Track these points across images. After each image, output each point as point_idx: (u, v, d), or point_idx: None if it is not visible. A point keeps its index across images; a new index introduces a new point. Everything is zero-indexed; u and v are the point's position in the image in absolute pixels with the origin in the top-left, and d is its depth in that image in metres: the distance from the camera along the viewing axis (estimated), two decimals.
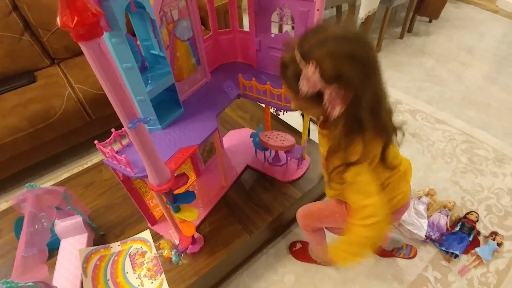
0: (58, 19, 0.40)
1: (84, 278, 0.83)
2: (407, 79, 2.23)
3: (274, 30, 0.92)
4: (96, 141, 0.72)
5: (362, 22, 2.20)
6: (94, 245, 0.93)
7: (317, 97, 0.52)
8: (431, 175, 1.53)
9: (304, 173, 1.15)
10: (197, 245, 0.94)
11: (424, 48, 2.56)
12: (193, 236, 0.92)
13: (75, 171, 1.62)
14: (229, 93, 0.94)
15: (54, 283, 0.82)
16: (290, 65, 0.53)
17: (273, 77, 0.99)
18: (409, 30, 2.79)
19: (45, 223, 0.77)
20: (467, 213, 1.33)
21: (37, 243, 0.67)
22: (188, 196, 0.78)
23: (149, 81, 0.77)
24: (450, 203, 1.36)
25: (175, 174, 0.73)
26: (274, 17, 0.89)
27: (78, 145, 1.63)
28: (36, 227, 0.74)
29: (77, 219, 0.90)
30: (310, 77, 0.49)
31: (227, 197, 1.08)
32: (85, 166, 1.63)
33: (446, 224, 1.29)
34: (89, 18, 0.40)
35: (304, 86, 0.51)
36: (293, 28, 0.88)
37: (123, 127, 0.74)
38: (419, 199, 1.38)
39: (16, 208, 0.75)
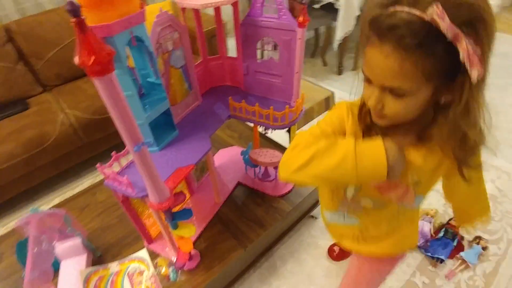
0: (76, 58, 0.46)
1: None
2: None
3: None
4: (98, 164, 0.77)
5: (339, 43, 2.35)
6: (92, 265, 0.95)
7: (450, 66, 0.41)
8: (433, 195, 1.62)
9: (293, 187, 1.21)
10: (193, 261, 0.97)
11: None
12: (189, 253, 0.96)
13: (66, 195, 1.64)
14: (220, 115, 1.01)
15: None
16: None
17: (261, 98, 1.06)
18: None
19: (44, 244, 0.80)
20: (450, 220, 1.41)
21: (42, 263, 0.70)
22: (186, 213, 0.83)
23: (147, 106, 0.83)
24: (432, 210, 1.44)
25: (174, 193, 0.78)
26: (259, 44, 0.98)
27: (68, 169, 1.65)
28: (41, 248, 0.77)
29: (76, 241, 0.93)
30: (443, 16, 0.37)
31: (220, 213, 1.13)
32: (76, 190, 1.64)
33: (430, 230, 1.36)
34: (104, 57, 0.47)
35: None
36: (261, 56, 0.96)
37: (113, 150, 0.80)
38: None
39: (19, 231, 0.78)
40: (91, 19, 0.60)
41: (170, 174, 0.80)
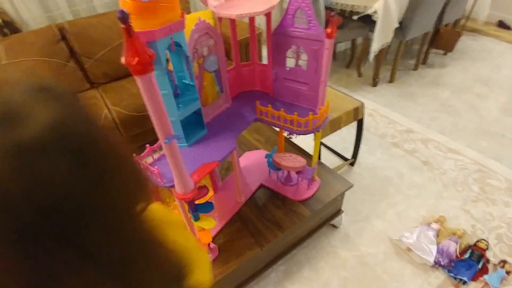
0: (123, 58, 0.54)
1: None
2: (420, 110, 2.29)
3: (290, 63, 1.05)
4: (133, 154, 0.85)
5: (375, 55, 2.33)
6: None
7: None
8: (442, 202, 1.57)
9: (314, 193, 1.23)
10: (212, 254, 1.02)
11: (439, 80, 2.64)
12: (209, 245, 1.02)
13: None
14: (247, 117, 1.07)
15: None
16: None
17: (287, 104, 1.11)
18: (424, 62, 2.88)
19: None
20: (477, 241, 1.35)
21: None
22: (208, 206, 0.89)
23: (180, 105, 0.91)
24: (460, 230, 1.38)
25: (198, 186, 0.84)
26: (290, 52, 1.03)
27: None
28: None
29: None
30: None
31: (241, 212, 1.18)
32: None
33: (456, 251, 1.31)
34: (146, 58, 0.54)
35: None
36: (296, 64, 1.00)
37: (148, 144, 0.88)
38: (429, 225, 1.41)
39: None
40: (137, 25, 0.68)
41: (196, 168, 0.87)
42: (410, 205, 1.56)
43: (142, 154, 0.87)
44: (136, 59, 0.53)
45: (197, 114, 0.98)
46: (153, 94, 0.59)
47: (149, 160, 0.92)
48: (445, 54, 3.00)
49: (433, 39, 2.71)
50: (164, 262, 0.37)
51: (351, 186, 1.27)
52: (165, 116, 0.63)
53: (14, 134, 0.25)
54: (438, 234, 1.37)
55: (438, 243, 1.34)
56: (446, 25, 2.76)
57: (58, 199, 0.26)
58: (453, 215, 1.50)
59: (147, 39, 0.71)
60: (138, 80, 0.57)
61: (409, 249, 1.33)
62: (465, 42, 3.16)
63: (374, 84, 2.62)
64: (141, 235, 0.35)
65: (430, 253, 1.30)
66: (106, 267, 0.31)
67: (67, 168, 0.27)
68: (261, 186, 1.28)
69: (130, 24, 0.51)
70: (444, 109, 2.28)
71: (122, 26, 0.51)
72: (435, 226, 1.40)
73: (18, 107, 0.27)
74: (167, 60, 0.85)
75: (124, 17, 0.50)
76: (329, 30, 0.86)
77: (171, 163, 0.72)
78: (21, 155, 0.25)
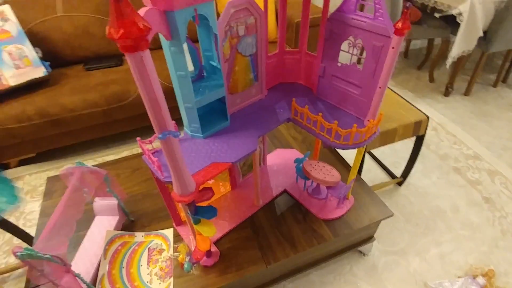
0: (106, 28, 0.41)
1: (102, 259, 0.88)
2: (493, 134, 1.91)
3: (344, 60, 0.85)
4: (138, 138, 0.75)
5: (453, 61, 1.97)
6: (122, 230, 0.99)
7: None
8: (496, 252, 1.28)
9: (343, 215, 1.05)
10: (211, 259, 0.92)
11: None
12: (209, 249, 0.91)
13: (134, 151, 1.77)
14: (280, 115, 0.91)
15: (77, 254, 0.89)
16: None
17: (330, 106, 0.92)
18: (504, 81, 2.43)
19: (86, 196, 0.85)
20: None
21: (69, 217, 0.73)
22: (209, 212, 0.77)
23: (201, 90, 0.78)
24: (489, 269, 1.11)
25: (201, 188, 0.72)
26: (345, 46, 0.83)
27: (142, 128, 1.78)
28: (79, 197, 0.82)
29: (113, 202, 0.96)
30: None
31: (255, 217, 1.05)
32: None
33: None
34: (134, 33, 0.41)
35: None
36: (358, 62, 0.80)
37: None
38: (474, 278, 1.16)
39: (63, 178, 0.83)
40: None
41: (204, 166, 0.74)
42: (458, 248, 1.30)
43: (150, 138, 0.77)
44: (121, 31, 0.40)
45: (223, 102, 0.85)
46: (145, 78, 0.47)
47: (157, 144, 0.82)
48: None
49: None
50: None
51: (391, 216, 1.06)
52: (159, 106, 0.51)
53: None
54: None
55: None
56: None
57: None
58: (504, 271, 1.21)
59: (163, 7, 0.58)
60: (127, 58, 0.45)
61: None
62: None
63: (447, 93, 2.24)
64: None
65: None
66: None
67: None
68: (284, 191, 1.13)
69: None
70: None
71: None
72: (481, 280, 1.14)
73: None
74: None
75: None
76: (399, 25, 0.65)
77: (167, 161, 0.61)
78: None
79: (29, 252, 0.58)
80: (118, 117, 1.60)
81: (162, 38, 0.65)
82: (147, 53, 0.45)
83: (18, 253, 0.56)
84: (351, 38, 0.80)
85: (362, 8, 0.72)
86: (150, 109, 0.51)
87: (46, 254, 0.61)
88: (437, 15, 2.20)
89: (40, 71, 1.52)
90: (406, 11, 0.64)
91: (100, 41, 1.75)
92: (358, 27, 0.76)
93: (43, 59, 1.56)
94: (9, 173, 1.67)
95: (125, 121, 1.66)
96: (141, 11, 0.53)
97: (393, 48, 0.70)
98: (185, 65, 0.68)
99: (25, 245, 1.12)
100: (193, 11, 0.62)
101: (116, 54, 1.80)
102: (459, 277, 1.18)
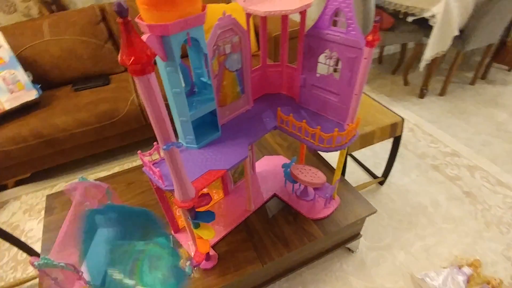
0: (119, 56, 0.48)
1: None
2: (471, 131, 2.04)
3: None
4: (139, 151, 0.81)
5: (427, 64, 2.10)
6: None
7: None
8: (481, 243, 1.38)
9: (330, 214, 1.13)
10: (210, 262, 0.97)
11: (498, 99, 2.34)
12: (208, 252, 0.96)
13: (125, 166, 1.80)
14: (267, 124, 0.98)
15: (84, 264, 0.92)
16: None
17: (312, 113, 1.01)
18: (483, 77, 2.57)
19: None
20: None
21: (76, 229, 0.77)
22: (208, 216, 0.83)
23: (194, 104, 0.85)
24: (495, 280, 1.20)
25: (200, 194, 0.78)
26: (323, 59, 0.92)
27: (131, 144, 1.82)
28: (79, 215, 0.86)
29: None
30: None
31: (248, 221, 1.11)
32: (134, 164, 1.80)
33: None
34: (143, 58, 0.48)
35: None
36: (335, 71, 0.89)
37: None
38: (459, 268, 1.24)
39: (67, 193, 0.87)
40: (150, 17, 0.63)
41: (201, 174, 0.81)
42: (442, 240, 1.39)
43: (149, 151, 0.83)
44: (132, 58, 0.47)
45: (213, 114, 0.92)
46: (152, 96, 0.53)
47: (156, 157, 0.88)
48: (509, 70, 2.65)
49: (497, 53, 2.40)
50: None
51: (374, 212, 1.15)
52: (164, 120, 0.57)
53: None
54: (469, 280, 1.20)
55: None
56: None
57: None
58: (491, 261, 1.31)
59: (160, 33, 0.65)
60: (136, 80, 0.51)
61: None
62: None
63: (421, 95, 2.39)
64: None
65: None
66: None
67: None
68: (274, 196, 1.20)
69: (129, 18, 0.45)
70: (499, 134, 2.01)
71: (120, 20, 0.45)
72: (467, 270, 1.22)
73: None
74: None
75: (121, 11, 0.44)
76: (370, 37, 0.74)
77: (170, 170, 0.67)
78: None
79: (46, 261, 0.63)
80: (109, 134, 1.64)
81: (158, 59, 0.72)
82: (153, 75, 0.52)
83: (36, 263, 0.60)
84: (327, 51, 0.89)
85: (335, 24, 0.81)
86: (156, 123, 0.57)
87: (60, 263, 0.65)
88: (410, 19, 2.29)
89: (32, 94, 1.56)
90: (376, 24, 0.74)
91: (87, 61, 1.79)
92: (333, 41, 0.86)
93: (34, 82, 1.60)
94: (8, 194, 1.69)
95: (116, 138, 1.70)
96: (143, 38, 0.60)
97: (365, 58, 0.79)
98: (180, 82, 0.75)
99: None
100: (186, 35, 0.70)
101: (103, 73, 1.85)
102: (444, 267, 1.26)
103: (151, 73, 0.51)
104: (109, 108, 1.58)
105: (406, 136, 2.01)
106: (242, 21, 0.86)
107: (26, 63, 1.66)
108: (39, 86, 1.61)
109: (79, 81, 1.79)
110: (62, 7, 1.91)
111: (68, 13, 1.81)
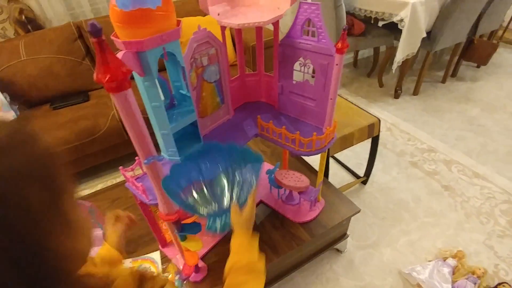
0: (94, 75, 0.49)
1: None
2: (446, 127, 2.13)
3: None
4: (120, 167, 0.81)
5: (398, 66, 2.19)
6: None
7: None
8: (463, 235, 1.43)
9: (316, 216, 1.15)
10: (200, 274, 0.97)
11: (469, 95, 2.45)
12: (197, 264, 0.96)
13: (108, 183, 1.77)
14: (248, 132, 1.00)
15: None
16: None
17: (293, 119, 1.03)
18: (453, 75, 2.69)
19: None
20: (499, 284, 1.21)
21: None
22: (195, 227, 0.83)
23: (174, 117, 0.86)
24: (480, 269, 1.25)
25: None
26: (297, 66, 0.95)
27: (113, 160, 1.79)
28: None
29: (99, 232, 0.99)
30: None
31: None
32: (118, 179, 1.77)
33: None
34: (119, 76, 0.49)
35: None
36: (313, 77, 0.93)
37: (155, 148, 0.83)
38: (444, 260, 1.28)
39: None
40: (124, 34, 0.64)
41: (185, 186, 0.81)
42: (425, 234, 1.44)
43: (131, 166, 0.83)
44: (108, 76, 0.48)
45: (194, 125, 0.93)
46: (130, 112, 0.54)
47: (139, 172, 0.88)
48: (478, 67, 2.79)
49: (465, 51, 2.52)
50: None
51: (358, 211, 1.18)
52: (143, 135, 0.58)
53: None
54: (454, 272, 1.24)
55: (453, 282, 1.21)
56: (481, 36, 2.56)
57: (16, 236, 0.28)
58: (474, 251, 1.36)
59: (136, 49, 0.66)
60: (113, 98, 0.52)
61: (419, 286, 1.22)
62: (501, 55, 2.93)
63: (396, 95, 2.48)
64: None
65: None
66: None
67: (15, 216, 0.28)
68: (261, 202, 1.22)
69: (103, 38, 0.46)
70: (472, 128, 2.10)
71: (94, 40, 0.46)
72: (451, 262, 1.27)
73: None
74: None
75: (95, 31, 0.45)
76: (339, 45, 0.78)
77: (153, 184, 0.67)
78: None
79: None
80: (90, 151, 1.61)
81: (135, 74, 0.72)
82: (130, 92, 0.53)
83: None
84: (301, 59, 0.92)
85: (308, 32, 0.84)
86: (135, 138, 0.58)
87: None
88: (380, 23, 2.38)
89: (10, 116, 1.53)
90: (344, 32, 0.78)
91: (65, 79, 1.77)
92: (305, 49, 0.89)
93: (11, 103, 1.56)
94: None
95: (97, 155, 1.68)
96: (118, 56, 0.61)
97: (336, 64, 0.83)
98: (159, 96, 0.76)
99: None
100: (162, 50, 0.71)
101: (82, 90, 1.83)
102: (429, 261, 1.30)
103: (127, 90, 0.52)
104: (89, 124, 1.56)
105: (384, 135, 2.07)
106: (219, 33, 0.89)
107: (3, 84, 1.62)
108: (16, 107, 1.57)
109: (57, 100, 1.76)
110: (38, 26, 1.88)
111: (44, 32, 1.79)
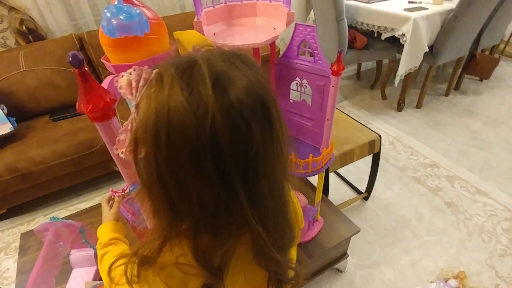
0: (76, 104, 0.48)
1: None
2: (449, 141, 2.10)
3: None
4: (111, 189, 0.79)
5: (401, 79, 2.18)
6: (100, 279, 0.98)
7: None
8: (465, 254, 1.39)
9: (314, 236, 1.12)
10: None
11: (472, 109, 2.42)
12: None
13: (106, 196, 1.76)
14: None
15: None
16: None
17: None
18: (456, 88, 2.67)
19: (61, 250, 0.85)
20: None
21: (47, 274, 0.74)
22: None
23: None
24: (462, 272, 1.21)
25: None
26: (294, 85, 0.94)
27: (113, 172, 1.77)
28: (55, 252, 0.82)
29: (90, 252, 0.97)
30: None
31: None
32: None
33: None
34: (101, 106, 0.47)
35: None
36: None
37: None
38: (445, 281, 1.24)
39: (38, 234, 0.84)
40: (115, 57, 0.63)
41: None
42: (427, 253, 1.40)
43: (122, 187, 0.82)
44: (90, 106, 0.47)
45: None
46: (113, 140, 0.53)
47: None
48: (481, 80, 2.76)
49: (467, 65, 2.49)
50: (290, 224, 0.46)
51: (358, 231, 1.15)
52: (129, 162, 0.56)
53: (226, 95, 0.32)
54: None
55: None
56: (483, 51, 2.54)
57: (248, 149, 0.34)
58: (476, 271, 1.32)
59: None
60: (97, 126, 0.51)
61: None
62: (503, 68, 2.90)
63: (399, 108, 2.46)
64: (286, 198, 0.45)
65: None
66: (261, 212, 0.39)
67: (256, 128, 0.34)
68: None
69: (86, 68, 0.45)
70: (475, 143, 2.07)
71: (75, 71, 0.45)
72: (453, 283, 1.23)
73: (224, 73, 0.33)
74: None
75: (77, 62, 0.44)
76: (335, 67, 0.77)
77: (141, 209, 0.65)
78: (230, 112, 0.32)
79: None
80: (88, 164, 1.61)
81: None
82: (114, 120, 0.51)
83: None
84: (297, 79, 0.91)
85: (304, 53, 0.84)
86: (120, 165, 0.56)
87: None
88: (383, 36, 2.38)
89: (6, 128, 1.52)
90: (339, 55, 0.76)
91: (65, 91, 1.77)
92: (302, 69, 0.88)
93: (8, 114, 1.56)
94: None
95: (96, 167, 1.67)
96: (106, 82, 0.60)
97: (333, 86, 0.81)
98: None
99: None
100: None
101: None
102: (431, 282, 1.27)
103: (112, 118, 0.51)
104: (87, 137, 1.56)
105: (386, 149, 2.04)
106: None
107: (1, 95, 1.62)
108: (14, 118, 1.57)
109: (57, 111, 1.76)
110: (39, 37, 1.90)
111: (45, 43, 1.80)
